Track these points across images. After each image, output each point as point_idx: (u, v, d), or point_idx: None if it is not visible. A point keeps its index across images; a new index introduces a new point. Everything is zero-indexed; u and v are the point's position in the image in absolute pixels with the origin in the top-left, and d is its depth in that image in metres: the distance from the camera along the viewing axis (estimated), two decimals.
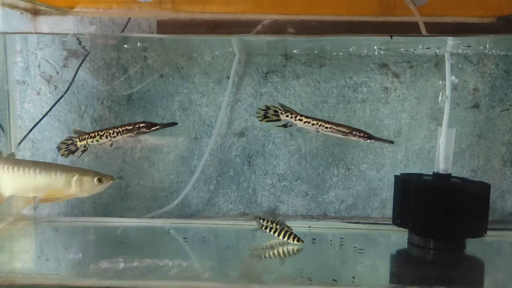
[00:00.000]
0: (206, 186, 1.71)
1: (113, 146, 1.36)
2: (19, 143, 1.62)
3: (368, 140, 1.35)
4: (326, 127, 1.35)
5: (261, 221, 1.43)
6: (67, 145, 1.35)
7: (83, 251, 1.37)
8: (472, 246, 1.37)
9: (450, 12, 1.52)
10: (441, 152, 1.39)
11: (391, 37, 1.22)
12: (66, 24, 1.63)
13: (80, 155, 1.35)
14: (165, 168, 1.69)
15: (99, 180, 1.25)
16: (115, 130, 1.32)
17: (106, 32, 1.64)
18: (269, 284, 1.13)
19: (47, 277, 1.16)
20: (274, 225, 1.40)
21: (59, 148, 1.36)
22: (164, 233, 1.54)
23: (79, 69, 1.64)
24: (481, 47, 1.51)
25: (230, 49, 1.62)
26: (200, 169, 1.66)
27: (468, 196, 1.34)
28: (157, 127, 1.33)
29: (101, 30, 1.64)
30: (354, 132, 1.34)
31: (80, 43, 1.53)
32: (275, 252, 1.38)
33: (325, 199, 1.70)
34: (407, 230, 1.41)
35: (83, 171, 1.26)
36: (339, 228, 1.59)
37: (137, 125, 1.32)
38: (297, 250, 1.35)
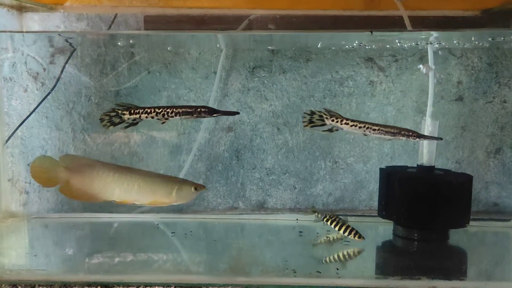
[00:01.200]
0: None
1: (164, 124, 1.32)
2: (7, 140, 1.62)
3: (418, 139, 1.33)
4: (374, 129, 1.31)
5: (319, 215, 1.42)
6: (110, 116, 1.30)
7: (72, 247, 1.38)
8: (456, 237, 1.40)
9: (434, 5, 1.53)
10: (425, 144, 1.41)
11: (371, 32, 1.23)
12: (53, 21, 1.62)
13: (126, 127, 1.31)
14: (154, 163, 1.70)
15: (195, 189, 1.29)
16: (174, 110, 1.29)
17: (94, 29, 1.64)
18: (254, 276, 1.15)
19: (34, 273, 1.16)
20: (336, 219, 1.38)
21: (101, 120, 1.30)
22: (152, 228, 1.55)
23: (66, 66, 1.64)
24: (458, 42, 1.52)
25: (217, 45, 1.62)
26: (188, 164, 1.67)
27: (451, 187, 1.36)
28: (219, 113, 1.30)
29: (88, 27, 1.64)
30: (402, 132, 1.31)
31: (66, 40, 1.53)
32: (264, 245, 1.40)
33: (313, 192, 1.72)
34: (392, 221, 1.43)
35: (181, 181, 1.31)
36: None
37: (198, 109, 1.29)
38: (358, 252, 1.33)
